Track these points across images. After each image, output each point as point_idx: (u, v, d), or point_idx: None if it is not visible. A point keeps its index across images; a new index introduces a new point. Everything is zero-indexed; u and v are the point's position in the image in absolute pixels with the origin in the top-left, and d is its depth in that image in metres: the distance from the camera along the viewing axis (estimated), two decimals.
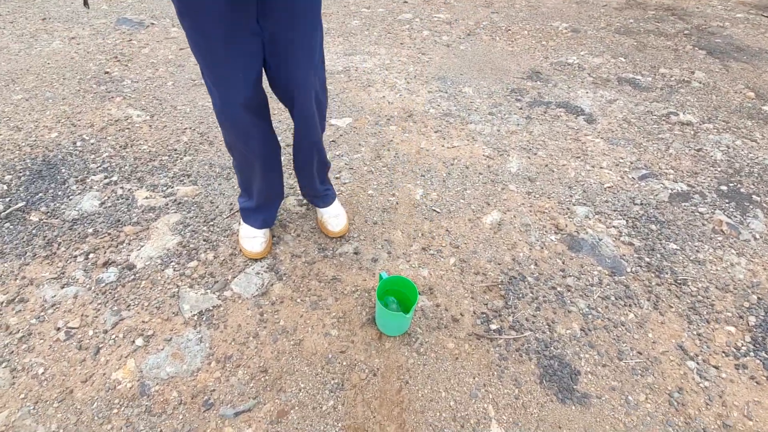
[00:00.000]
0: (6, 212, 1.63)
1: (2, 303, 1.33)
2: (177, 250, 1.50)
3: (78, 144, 2.01)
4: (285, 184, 1.64)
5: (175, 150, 1.98)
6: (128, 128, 2.13)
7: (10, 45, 2.99)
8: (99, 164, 1.89)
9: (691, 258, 1.53)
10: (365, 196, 1.75)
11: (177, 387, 1.15)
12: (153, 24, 3.31)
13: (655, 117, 2.32)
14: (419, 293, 1.39)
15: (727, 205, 1.76)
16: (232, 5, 0.95)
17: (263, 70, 1.15)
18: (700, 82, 2.66)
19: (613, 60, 2.93)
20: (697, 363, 1.23)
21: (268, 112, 1.26)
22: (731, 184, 1.86)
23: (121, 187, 1.76)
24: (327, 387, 1.15)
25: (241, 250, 1.49)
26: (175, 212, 1.65)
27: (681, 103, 2.44)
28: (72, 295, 1.37)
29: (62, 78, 2.56)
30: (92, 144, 2.01)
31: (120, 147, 1.99)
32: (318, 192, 1.51)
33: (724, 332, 1.31)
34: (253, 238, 1.46)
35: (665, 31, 3.42)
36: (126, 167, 1.87)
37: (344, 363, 1.20)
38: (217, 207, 1.68)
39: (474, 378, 1.18)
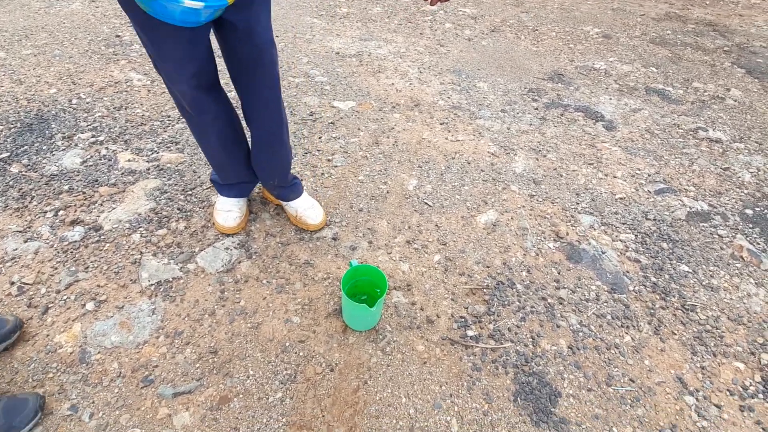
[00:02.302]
0: None
1: None
2: (148, 216, 1.42)
3: (74, 101, 1.96)
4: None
5: (169, 117, 1.92)
6: (126, 91, 2.07)
7: (32, 3, 3.00)
8: (89, 123, 1.83)
9: (703, 283, 1.38)
10: (355, 181, 1.65)
11: (119, 358, 1.07)
12: None
13: (681, 131, 2.15)
14: (395, 288, 1.27)
15: (750, 230, 1.59)
16: None
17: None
18: (736, 100, 2.47)
19: (644, 69, 2.75)
20: (697, 399, 1.08)
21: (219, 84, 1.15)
22: (758, 209, 1.69)
23: (106, 148, 1.70)
24: (278, 377, 1.05)
25: (213, 223, 1.40)
26: (155, 178, 1.58)
27: (712, 120, 2.26)
28: (33, 251, 1.31)
29: (74, 38, 2.54)
30: (87, 103, 1.96)
31: (114, 108, 1.94)
32: (287, 181, 1.37)
33: (731, 368, 1.16)
34: (227, 212, 1.37)
35: (704, 45, 3.21)
36: (115, 128, 1.81)
37: (301, 354, 1.10)
38: (199, 177, 1.60)
39: (441, 386, 1.06)
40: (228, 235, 1.38)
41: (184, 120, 1.84)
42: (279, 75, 1.13)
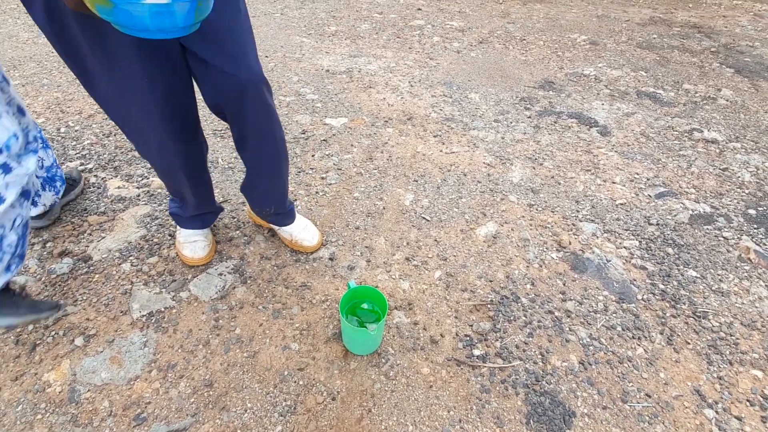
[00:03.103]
0: None
1: None
2: (139, 243, 1.38)
3: (62, 130, 1.94)
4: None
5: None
6: None
7: (20, 34, 3.00)
8: (78, 151, 1.80)
9: (713, 288, 1.34)
10: (350, 199, 1.62)
11: (110, 396, 1.01)
12: None
13: (676, 133, 2.14)
14: (396, 308, 1.23)
15: (755, 230, 1.56)
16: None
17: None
18: (728, 100, 2.47)
19: (633, 73, 2.77)
20: (717, 412, 1.03)
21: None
22: (761, 208, 1.67)
23: (95, 176, 1.67)
24: (277, 409, 1.00)
25: (180, 257, 1.32)
26: (146, 204, 1.54)
27: (706, 120, 2.25)
28: (20, 285, 1.26)
29: (62, 66, 2.53)
30: (76, 131, 1.93)
31: (103, 135, 1.91)
32: (285, 208, 1.30)
33: (749, 377, 1.11)
34: (193, 243, 1.29)
35: (690, 47, 3.25)
36: (105, 155, 1.78)
37: (301, 383, 1.05)
38: None
39: (449, 411, 1.01)
40: (222, 260, 1.34)
41: None
42: (274, 106, 1.04)
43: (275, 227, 1.37)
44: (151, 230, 1.43)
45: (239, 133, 1.05)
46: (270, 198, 1.23)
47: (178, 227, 1.34)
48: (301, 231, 1.35)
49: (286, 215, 1.32)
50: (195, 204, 1.22)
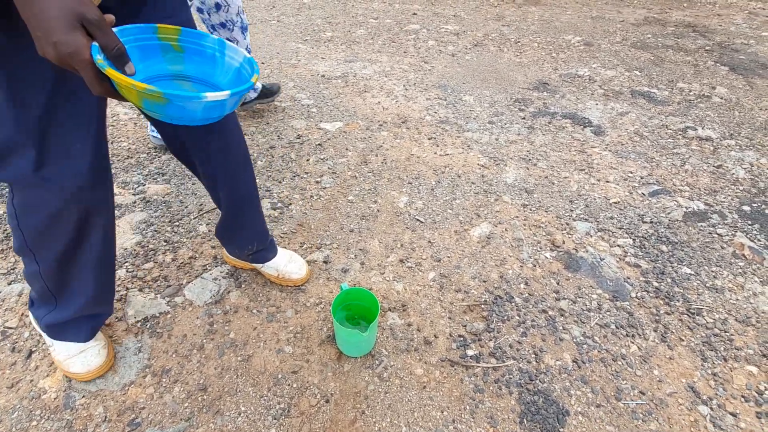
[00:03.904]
0: None
1: None
2: (134, 250, 1.39)
3: None
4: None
5: (155, 148, 1.90)
6: (113, 125, 2.07)
7: None
8: None
9: (707, 285, 1.34)
10: (345, 202, 1.63)
11: (104, 401, 1.02)
12: None
13: (670, 131, 2.14)
14: (389, 309, 1.23)
15: (749, 227, 1.56)
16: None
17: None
18: (722, 98, 2.48)
19: (627, 73, 2.78)
20: (711, 408, 1.03)
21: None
22: (755, 205, 1.67)
23: None
24: (271, 412, 1.00)
25: (69, 377, 1.04)
26: (142, 210, 1.55)
27: (700, 118, 2.26)
28: (17, 293, 1.27)
29: None
30: None
31: None
32: (266, 243, 1.22)
33: (744, 373, 1.11)
34: (81, 353, 1.02)
35: (685, 46, 3.26)
36: None
37: (294, 385, 1.05)
38: (186, 207, 1.58)
39: (442, 412, 1.01)
40: (217, 264, 1.34)
41: (159, 161, 1.80)
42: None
43: (257, 266, 1.26)
44: (146, 236, 1.44)
45: (209, 173, 1.00)
46: (252, 235, 1.17)
47: (52, 342, 1.04)
48: (287, 264, 1.26)
49: (268, 249, 1.23)
50: (90, 294, 0.96)
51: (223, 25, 1.72)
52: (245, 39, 1.80)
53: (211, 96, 0.54)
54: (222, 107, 0.58)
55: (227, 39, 1.77)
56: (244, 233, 1.16)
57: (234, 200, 1.07)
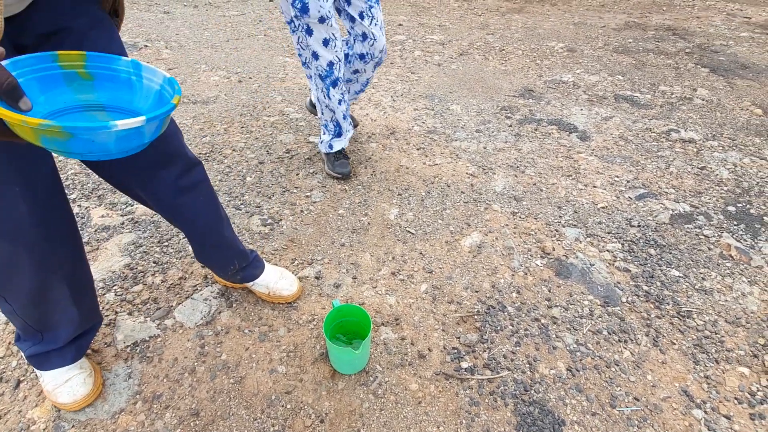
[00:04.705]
0: None
1: None
2: (123, 272, 1.38)
3: None
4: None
5: None
6: None
7: None
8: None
9: (696, 287, 1.36)
10: (335, 216, 1.62)
11: (94, 431, 1.00)
12: (146, 46, 3.33)
13: (654, 134, 2.18)
14: (382, 324, 1.23)
15: (735, 227, 1.58)
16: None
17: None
18: (703, 99, 2.53)
19: (610, 78, 2.82)
20: (705, 412, 1.04)
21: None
22: (740, 205, 1.69)
23: (79, 205, 1.66)
24: None
25: (57, 407, 1.02)
26: (130, 232, 1.54)
27: (682, 120, 2.30)
28: (3, 321, 1.24)
29: None
30: (60, 161, 1.93)
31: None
32: (248, 258, 1.20)
33: (736, 374, 1.12)
34: (67, 381, 1.00)
35: (665, 49, 3.33)
36: (88, 185, 1.78)
37: (288, 406, 1.04)
38: None
39: (438, 427, 1.00)
40: (207, 285, 1.33)
41: None
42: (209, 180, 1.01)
43: (248, 285, 1.26)
44: (135, 258, 1.43)
45: (166, 215, 1.00)
46: (230, 254, 1.15)
47: (41, 374, 1.03)
48: (278, 281, 1.25)
49: (253, 266, 1.21)
50: (77, 320, 0.96)
51: (362, 56, 1.65)
52: (373, 73, 1.74)
53: (122, 124, 0.48)
54: (140, 136, 0.51)
55: (358, 71, 1.70)
56: (222, 253, 1.14)
57: (195, 233, 1.07)
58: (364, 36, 1.56)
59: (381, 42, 1.60)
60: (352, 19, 1.53)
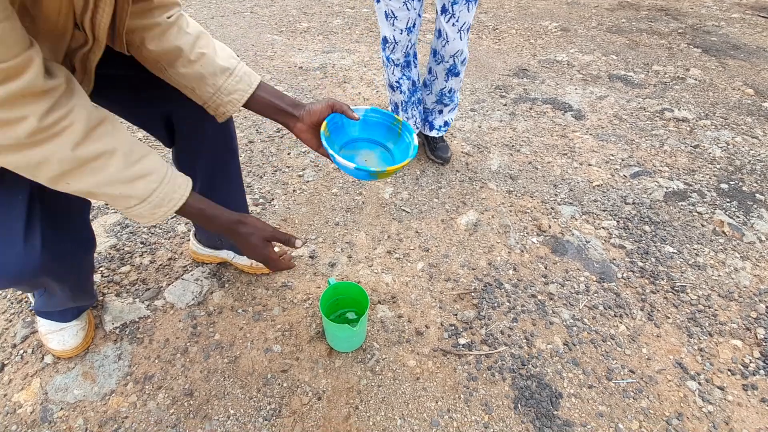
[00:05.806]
0: None
1: None
2: (109, 253, 1.33)
3: None
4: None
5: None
6: None
7: None
8: None
9: (689, 262, 1.36)
10: (329, 195, 1.59)
11: (84, 413, 0.97)
12: None
13: (648, 113, 2.17)
14: (379, 302, 1.21)
15: (728, 204, 1.59)
16: None
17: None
18: (696, 79, 2.52)
19: (604, 57, 2.80)
20: (699, 383, 1.05)
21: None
22: (732, 182, 1.70)
23: None
24: (261, 414, 0.97)
25: (48, 351, 1.06)
26: (114, 212, 1.48)
27: (676, 100, 2.30)
28: None
29: None
30: None
31: None
32: None
33: (729, 347, 1.13)
34: (60, 331, 1.04)
35: (658, 30, 3.30)
36: None
37: (284, 384, 1.02)
38: None
39: (437, 402, 1.00)
40: (198, 265, 1.30)
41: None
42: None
43: (228, 257, 1.22)
44: (121, 239, 1.38)
45: (190, 147, 0.97)
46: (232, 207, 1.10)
47: (38, 318, 1.07)
48: None
49: None
50: (70, 296, 0.97)
51: (434, 53, 1.54)
52: (446, 83, 1.58)
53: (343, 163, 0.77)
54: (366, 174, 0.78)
55: (431, 72, 1.61)
56: (230, 196, 1.07)
57: (213, 173, 1.01)
58: (439, 33, 1.45)
59: (454, 46, 1.43)
60: (437, 11, 1.43)
